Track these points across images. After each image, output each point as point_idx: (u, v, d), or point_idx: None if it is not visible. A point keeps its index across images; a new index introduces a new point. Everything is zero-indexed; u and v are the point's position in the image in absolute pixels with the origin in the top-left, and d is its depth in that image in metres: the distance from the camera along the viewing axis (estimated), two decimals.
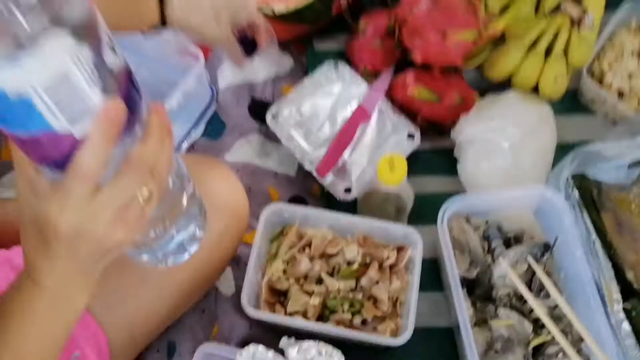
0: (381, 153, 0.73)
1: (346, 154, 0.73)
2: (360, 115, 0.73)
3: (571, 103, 0.84)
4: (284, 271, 0.64)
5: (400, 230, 0.65)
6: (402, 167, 0.58)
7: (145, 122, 0.34)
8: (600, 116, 0.84)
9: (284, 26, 0.81)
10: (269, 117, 0.77)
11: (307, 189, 0.78)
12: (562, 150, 0.78)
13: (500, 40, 0.76)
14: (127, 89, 0.32)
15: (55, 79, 0.28)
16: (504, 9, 0.72)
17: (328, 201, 0.75)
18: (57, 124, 0.29)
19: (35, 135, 0.30)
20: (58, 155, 0.31)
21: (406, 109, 0.76)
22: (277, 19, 0.78)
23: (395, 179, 0.58)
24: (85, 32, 0.28)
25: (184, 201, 0.40)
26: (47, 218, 0.33)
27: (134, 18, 0.58)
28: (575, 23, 0.69)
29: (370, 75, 0.79)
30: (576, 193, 0.72)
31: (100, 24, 0.30)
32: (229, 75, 0.85)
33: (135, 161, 0.33)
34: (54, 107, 0.28)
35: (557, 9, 0.70)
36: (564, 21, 0.70)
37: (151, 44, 0.79)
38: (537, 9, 0.72)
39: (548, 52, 0.73)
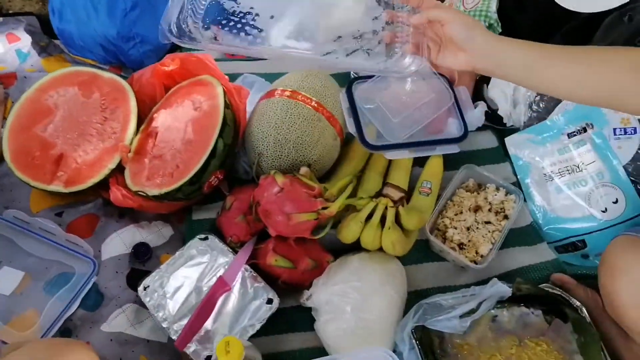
0: (243, 319, 0.81)
1: (209, 324, 0.79)
2: (221, 286, 0.81)
3: (424, 253, 0.96)
4: None
5: None
6: (238, 349, 0.65)
7: None
8: (452, 263, 0.95)
9: (161, 204, 0.91)
10: (140, 289, 0.83)
11: (178, 355, 0.83)
12: (418, 296, 0.88)
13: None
14: None
15: None
16: (340, 191, 0.84)
17: None
18: None
19: None
20: None
21: (268, 275, 0.85)
22: (151, 199, 0.88)
23: None
24: None
25: None
26: None
27: None
28: (398, 202, 0.82)
29: (237, 246, 0.88)
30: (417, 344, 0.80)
31: None
32: (112, 248, 0.92)
33: None
34: None
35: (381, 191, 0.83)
36: (387, 201, 0.82)
37: None
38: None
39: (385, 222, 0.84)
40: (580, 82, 0.70)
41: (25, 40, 1.22)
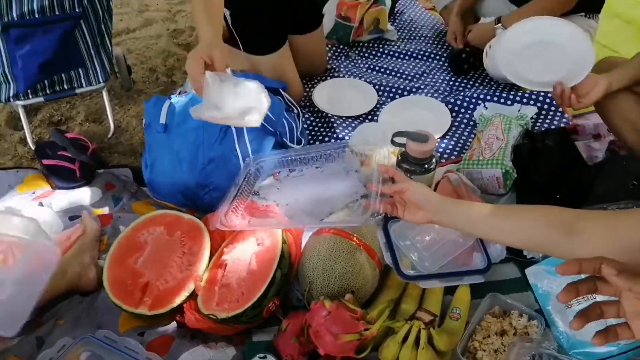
0: None
1: None
2: None
3: None
4: None
5: None
6: None
7: None
8: None
9: (227, 327, 1.07)
10: None
11: None
12: None
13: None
14: None
15: None
16: (380, 314, 0.99)
17: None
18: None
19: None
20: None
21: None
22: (220, 322, 1.05)
23: None
24: None
25: None
26: None
27: None
28: (429, 324, 0.95)
29: None
30: None
31: None
32: None
33: None
34: None
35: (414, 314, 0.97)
36: (420, 324, 0.96)
37: None
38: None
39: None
40: (509, 234, 0.91)
41: (119, 188, 1.50)
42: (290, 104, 1.63)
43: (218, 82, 1.10)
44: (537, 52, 1.56)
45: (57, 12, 1.54)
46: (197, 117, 1.14)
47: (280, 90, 1.60)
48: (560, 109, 1.61)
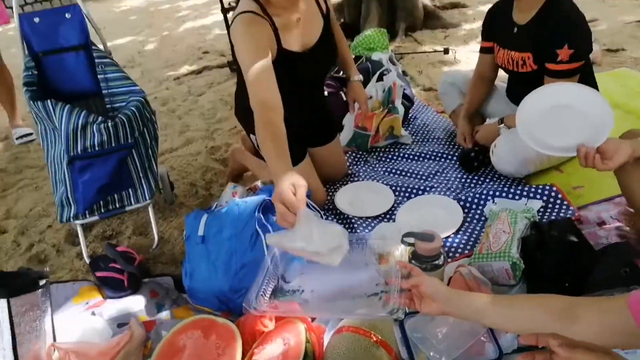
0: None
1: None
2: None
3: None
4: None
5: None
6: None
7: None
8: None
9: None
10: None
11: None
12: None
13: None
14: None
15: None
16: None
17: None
18: None
19: None
20: None
21: None
22: None
23: None
24: None
25: None
26: None
27: None
28: None
29: None
30: None
31: None
32: None
33: None
34: None
35: None
36: None
37: None
38: None
39: None
40: (513, 322, 0.99)
41: (162, 295, 1.66)
42: (313, 209, 1.80)
43: (310, 220, 1.20)
44: (556, 117, 1.59)
45: (113, 144, 1.81)
46: (278, 247, 1.24)
47: None
48: (565, 202, 1.71)
